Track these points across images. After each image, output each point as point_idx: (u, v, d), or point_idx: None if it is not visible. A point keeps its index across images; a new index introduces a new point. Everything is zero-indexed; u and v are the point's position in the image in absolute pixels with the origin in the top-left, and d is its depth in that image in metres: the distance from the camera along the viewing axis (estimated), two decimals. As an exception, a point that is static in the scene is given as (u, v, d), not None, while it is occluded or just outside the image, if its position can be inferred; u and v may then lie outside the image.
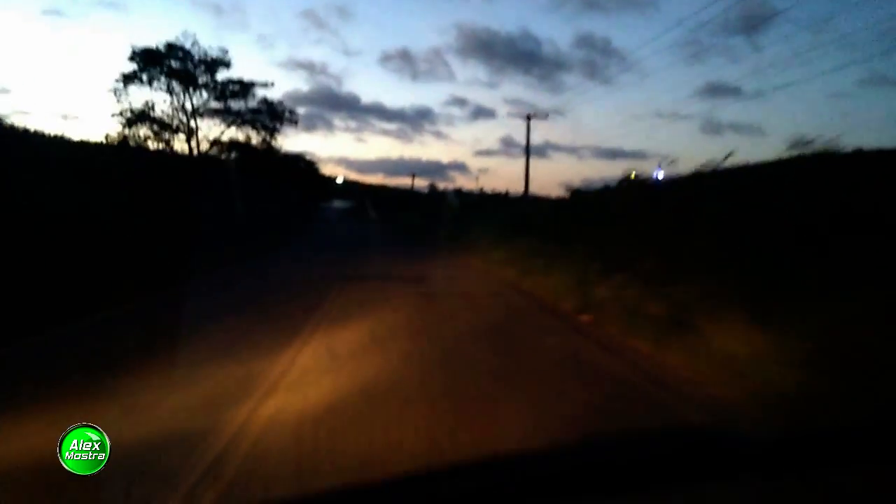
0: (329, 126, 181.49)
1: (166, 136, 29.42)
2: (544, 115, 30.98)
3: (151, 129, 28.83)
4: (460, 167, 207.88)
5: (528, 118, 29.52)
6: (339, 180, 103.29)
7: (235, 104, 31.36)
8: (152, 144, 29.02)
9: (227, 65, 30.58)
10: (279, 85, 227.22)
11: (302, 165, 62.88)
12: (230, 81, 30.84)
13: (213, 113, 30.96)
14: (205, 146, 30.68)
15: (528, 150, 28.88)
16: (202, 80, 30.13)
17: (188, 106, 30.23)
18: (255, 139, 32.17)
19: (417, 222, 42.97)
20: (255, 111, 32.21)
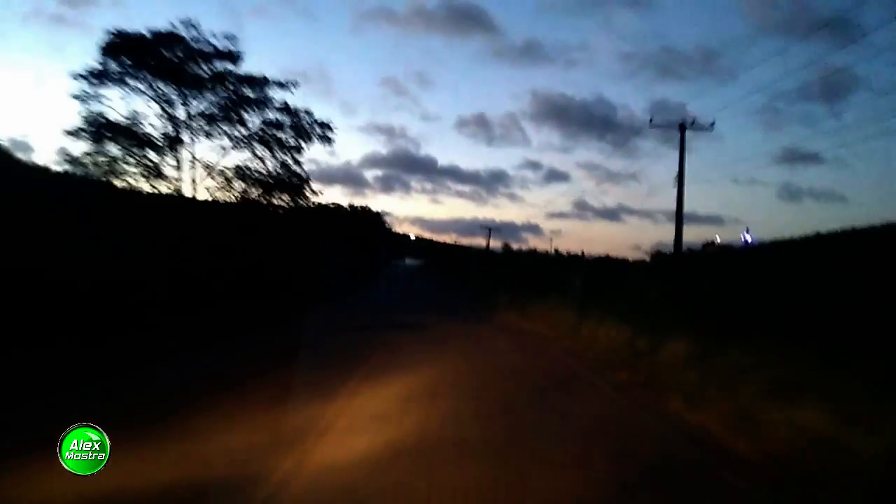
0: (406, 187, 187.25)
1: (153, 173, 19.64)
2: (707, 126, 20.11)
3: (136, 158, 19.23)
4: (533, 228, 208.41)
5: (682, 128, 19.73)
6: (412, 237, 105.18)
7: (245, 116, 21.43)
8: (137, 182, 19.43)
9: (233, 58, 20.15)
10: (359, 148, 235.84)
11: (367, 219, 63.91)
12: (228, 75, 20.34)
13: (211, 123, 20.72)
14: (210, 183, 21.11)
15: (681, 166, 18.92)
16: (197, 73, 20.00)
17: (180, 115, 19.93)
18: (271, 163, 22.08)
19: (490, 284, 37.04)
20: (271, 124, 22.04)
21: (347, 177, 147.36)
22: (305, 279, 23.79)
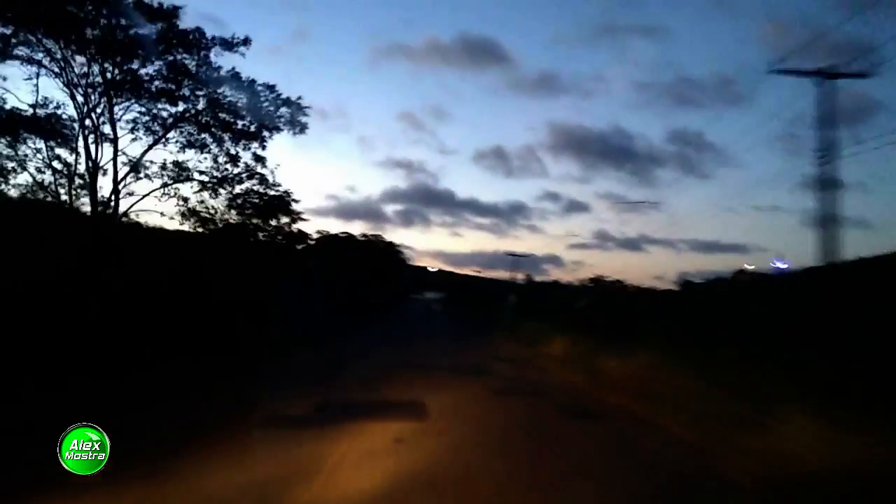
0: (426, 221, 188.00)
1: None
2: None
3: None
4: (554, 260, 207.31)
5: (824, 74, 13.23)
6: (433, 269, 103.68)
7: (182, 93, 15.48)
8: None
9: (167, 15, 14.33)
10: (379, 183, 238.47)
11: (381, 249, 56.96)
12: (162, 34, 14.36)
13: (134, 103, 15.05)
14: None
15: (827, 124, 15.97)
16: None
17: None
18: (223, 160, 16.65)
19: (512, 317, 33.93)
20: (215, 103, 15.85)
21: (368, 212, 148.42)
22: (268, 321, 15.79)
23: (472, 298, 61.22)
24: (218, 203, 17.33)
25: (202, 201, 17.06)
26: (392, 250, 63.27)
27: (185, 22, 14.70)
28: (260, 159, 17.44)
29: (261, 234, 18.89)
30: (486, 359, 17.48)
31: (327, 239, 46.11)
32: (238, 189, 17.56)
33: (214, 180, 16.93)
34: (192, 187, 16.87)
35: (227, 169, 16.99)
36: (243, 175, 17.30)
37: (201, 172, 16.65)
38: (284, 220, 19.51)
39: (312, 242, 38.99)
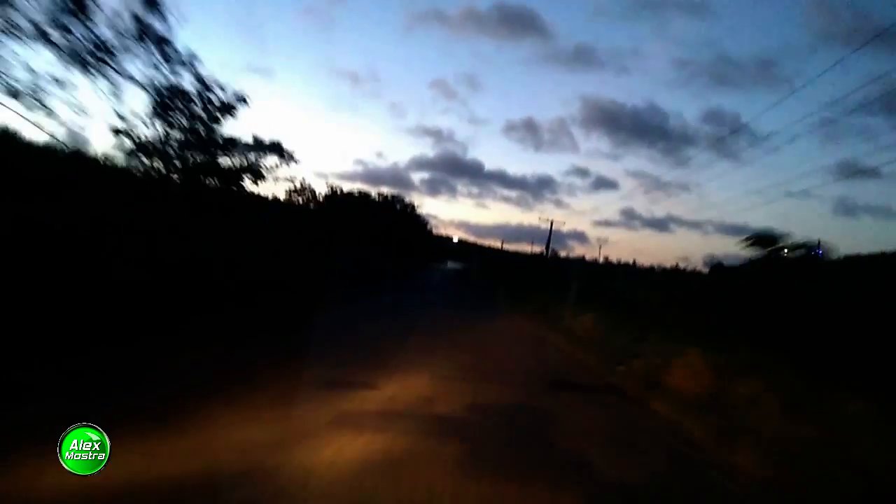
0: (452, 191, 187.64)
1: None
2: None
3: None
4: (580, 236, 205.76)
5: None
6: (455, 239, 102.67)
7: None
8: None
9: None
10: (407, 150, 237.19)
11: (397, 210, 50.15)
12: None
13: None
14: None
15: None
16: None
17: None
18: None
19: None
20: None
21: (394, 178, 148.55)
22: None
23: (501, 271, 54.28)
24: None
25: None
26: (411, 213, 55.63)
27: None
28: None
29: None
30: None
31: (336, 197, 39.98)
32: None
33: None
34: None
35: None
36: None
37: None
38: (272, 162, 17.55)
39: (320, 200, 36.79)
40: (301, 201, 34.94)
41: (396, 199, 52.58)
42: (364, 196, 46.19)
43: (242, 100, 15.62)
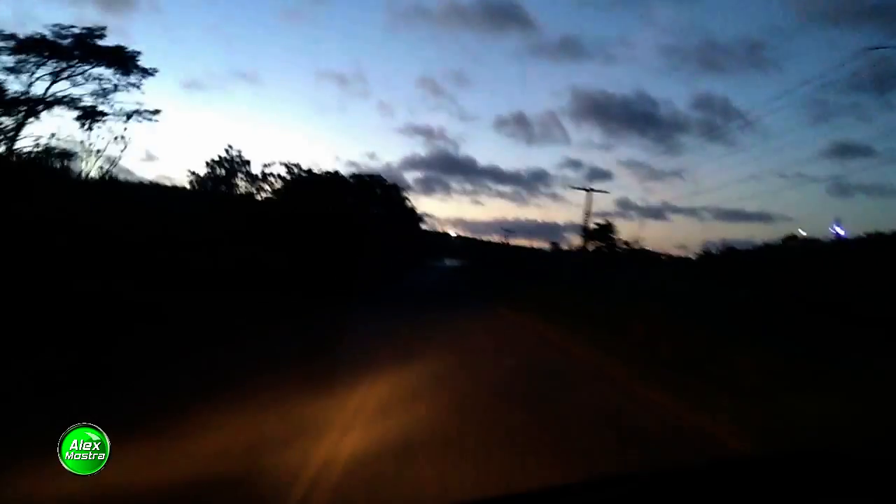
0: (446, 189, 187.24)
1: None
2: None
3: None
4: (576, 228, 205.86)
5: None
6: (453, 234, 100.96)
7: None
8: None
9: None
10: (399, 150, 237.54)
11: (377, 194, 40.02)
12: None
13: None
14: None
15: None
16: None
17: None
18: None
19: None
20: None
21: (388, 179, 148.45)
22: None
23: (504, 267, 48.91)
24: None
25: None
26: (397, 197, 44.49)
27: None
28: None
29: None
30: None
31: (293, 182, 30.91)
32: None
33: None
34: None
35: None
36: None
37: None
38: None
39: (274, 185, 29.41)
40: (243, 188, 28.72)
41: (376, 182, 41.49)
42: (333, 178, 35.33)
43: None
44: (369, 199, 38.35)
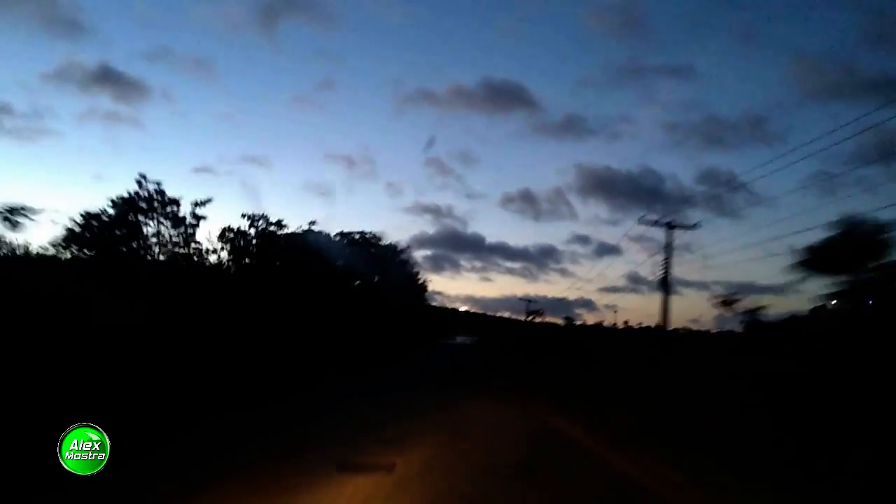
0: (455, 266, 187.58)
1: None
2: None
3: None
4: (587, 304, 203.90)
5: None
6: (463, 310, 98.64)
7: None
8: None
9: None
10: (407, 229, 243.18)
11: (371, 252, 31.47)
12: None
13: None
14: None
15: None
16: None
17: None
18: None
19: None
20: None
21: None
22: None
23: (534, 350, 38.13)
24: None
25: None
26: (395, 260, 35.93)
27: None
28: None
29: None
30: None
31: (268, 244, 23.14)
32: None
33: None
34: None
35: None
36: None
37: None
38: None
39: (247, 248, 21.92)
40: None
41: (372, 243, 32.79)
42: (311, 237, 25.96)
43: None
44: (360, 263, 30.67)
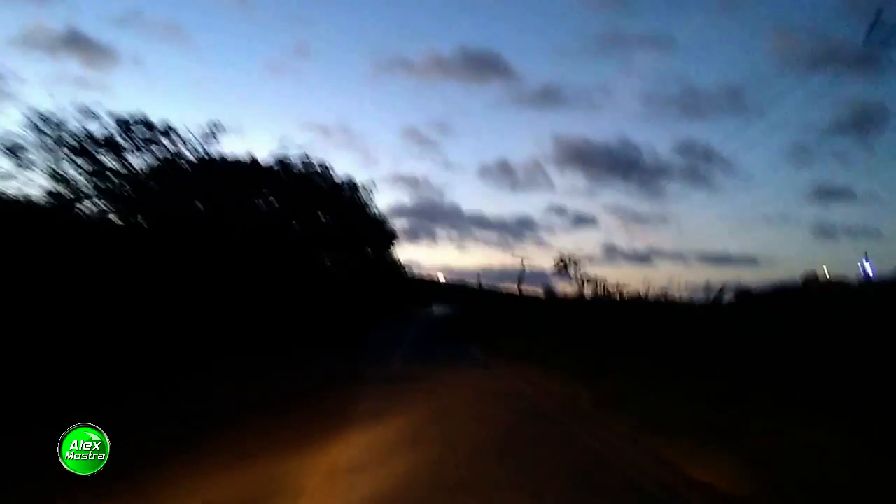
0: (432, 236, 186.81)
1: None
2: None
3: None
4: (564, 275, 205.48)
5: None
6: (442, 280, 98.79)
7: None
8: None
9: None
10: (384, 199, 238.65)
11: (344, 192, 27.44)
12: None
13: None
14: None
15: None
16: None
17: None
18: None
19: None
20: None
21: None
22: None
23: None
24: None
25: None
26: (355, 203, 29.10)
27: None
28: None
29: None
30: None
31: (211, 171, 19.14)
32: None
33: None
34: None
35: None
36: None
37: None
38: None
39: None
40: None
41: (317, 174, 26.31)
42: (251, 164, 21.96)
43: None
44: (307, 201, 23.99)
